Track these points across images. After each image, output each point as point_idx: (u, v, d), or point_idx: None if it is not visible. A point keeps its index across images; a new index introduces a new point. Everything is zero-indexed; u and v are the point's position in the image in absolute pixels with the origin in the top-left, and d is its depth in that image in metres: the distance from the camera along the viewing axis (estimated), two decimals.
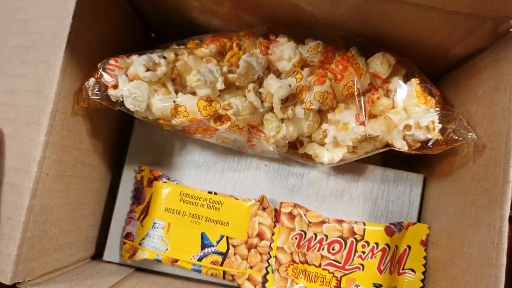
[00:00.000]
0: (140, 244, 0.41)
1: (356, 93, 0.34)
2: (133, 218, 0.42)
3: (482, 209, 0.32)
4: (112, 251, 0.43)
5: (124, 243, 0.42)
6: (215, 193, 0.41)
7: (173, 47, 0.37)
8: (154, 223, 0.41)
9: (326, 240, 0.41)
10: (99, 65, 0.34)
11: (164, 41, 0.40)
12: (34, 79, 0.31)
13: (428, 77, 0.38)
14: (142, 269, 0.42)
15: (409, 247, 0.40)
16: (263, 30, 0.38)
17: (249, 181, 0.42)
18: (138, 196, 0.43)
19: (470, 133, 0.34)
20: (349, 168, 0.42)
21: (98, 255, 0.44)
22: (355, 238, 0.41)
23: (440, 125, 0.33)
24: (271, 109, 0.36)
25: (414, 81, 0.35)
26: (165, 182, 0.42)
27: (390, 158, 0.46)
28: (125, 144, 0.44)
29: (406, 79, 0.36)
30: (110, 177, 0.44)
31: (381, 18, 0.34)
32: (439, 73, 0.43)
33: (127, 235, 0.42)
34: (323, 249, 0.41)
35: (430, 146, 0.35)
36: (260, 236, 0.41)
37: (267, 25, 0.38)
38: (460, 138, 0.33)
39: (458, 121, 0.33)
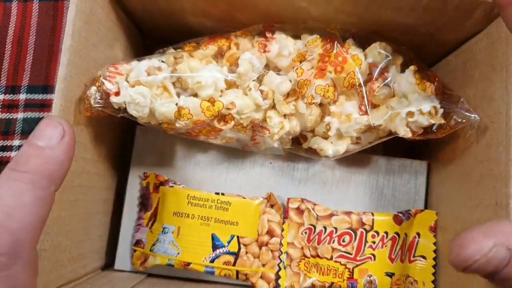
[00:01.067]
0: (151, 250, 0.41)
1: (357, 83, 0.35)
2: (141, 225, 0.42)
3: (487, 189, 0.32)
4: (123, 259, 0.43)
5: (135, 251, 0.42)
6: (222, 194, 0.42)
7: (171, 52, 0.37)
8: (164, 228, 0.41)
9: (336, 232, 0.41)
10: (99, 72, 0.34)
11: (157, 48, 0.40)
12: None
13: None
14: (155, 275, 0.42)
15: (418, 234, 0.40)
16: (259, 28, 0.38)
17: (254, 179, 0.43)
18: (145, 202, 0.43)
19: (473, 115, 0.34)
20: (353, 160, 0.42)
21: (108, 265, 0.44)
22: (365, 229, 0.41)
23: (442, 110, 0.34)
24: (273, 106, 0.37)
25: (412, 68, 0.36)
26: (171, 186, 0.42)
27: (391, 149, 0.46)
28: (128, 151, 0.44)
29: (404, 67, 0.37)
30: (115, 186, 0.44)
31: (375, 9, 0.35)
32: (435, 60, 0.43)
33: (137, 243, 0.42)
34: (333, 241, 0.41)
35: (435, 130, 0.35)
36: (270, 233, 0.41)
37: (261, 23, 0.39)
38: (464, 120, 0.34)
39: (459, 104, 0.33)
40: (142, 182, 0.43)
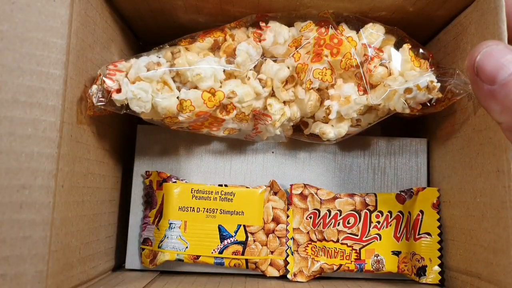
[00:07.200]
0: (159, 247, 0.41)
1: (354, 64, 0.35)
2: (147, 223, 0.43)
3: (488, 157, 0.33)
4: (133, 259, 0.43)
5: (143, 249, 0.42)
6: (226, 185, 0.42)
7: (167, 47, 0.38)
8: (170, 224, 0.41)
9: (341, 215, 0.41)
10: (99, 71, 0.35)
11: (151, 49, 0.40)
12: (33, 90, 0.30)
13: None
14: (167, 272, 0.43)
15: (421, 212, 0.41)
16: (252, 19, 0.39)
17: (257, 169, 0.43)
18: (149, 200, 0.43)
19: (470, 85, 0.35)
20: (354, 142, 0.43)
21: (118, 267, 0.44)
22: (368, 210, 0.42)
23: (439, 84, 0.34)
24: (272, 94, 0.37)
25: (406, 47, 0.37)
26: (174, 182, 0.42)
27: (389, 129, 0.47)
28: (131, 151, 0.44)
29: (398, 46, 0.37)
30: (120, 186, 0.44)
31: None
32: (426, 38, 0.44)
33: (145, 241, 0.42)
34: (338, 224, 0.41)
35: (434, 103, 0.36)
36: (276, 220, 0.41)
37: (254, 14, 0.39)
38: (461, 91, 0.34)
39: (456, 76, 0.34)
40: (145, 181, 0.44)
